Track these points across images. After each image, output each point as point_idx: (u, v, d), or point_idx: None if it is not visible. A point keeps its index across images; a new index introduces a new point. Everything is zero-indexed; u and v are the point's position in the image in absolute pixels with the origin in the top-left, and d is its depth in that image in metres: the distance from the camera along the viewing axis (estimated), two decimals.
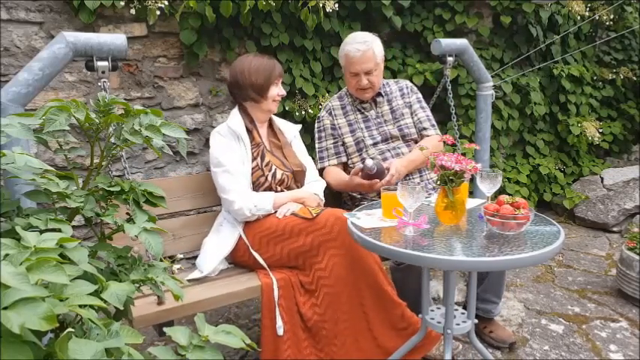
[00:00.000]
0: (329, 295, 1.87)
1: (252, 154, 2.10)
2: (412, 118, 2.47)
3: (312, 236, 1.90)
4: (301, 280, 1.95)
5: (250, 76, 2.09)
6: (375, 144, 2.39)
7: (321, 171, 2.42)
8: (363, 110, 2.45)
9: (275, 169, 2.11)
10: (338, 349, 1.87)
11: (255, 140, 2.14)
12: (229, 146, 2.07)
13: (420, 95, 2.54)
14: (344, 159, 2.44)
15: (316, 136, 2.48)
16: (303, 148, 2.35)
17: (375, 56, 2.30)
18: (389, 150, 2.39)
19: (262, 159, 2.10)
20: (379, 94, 2.46)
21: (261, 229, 2.01)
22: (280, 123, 2.33)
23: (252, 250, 1.99)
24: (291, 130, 2.32)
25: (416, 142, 2.45)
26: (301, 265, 1.94)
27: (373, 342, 1.92)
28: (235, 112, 2.17)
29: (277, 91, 2.15)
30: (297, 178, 2.21)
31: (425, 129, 2.45)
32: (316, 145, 2.48)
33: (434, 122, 2.49)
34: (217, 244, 2.06)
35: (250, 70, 2.09)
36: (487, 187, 1.73)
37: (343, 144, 2.43)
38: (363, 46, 2.27)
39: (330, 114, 2.46)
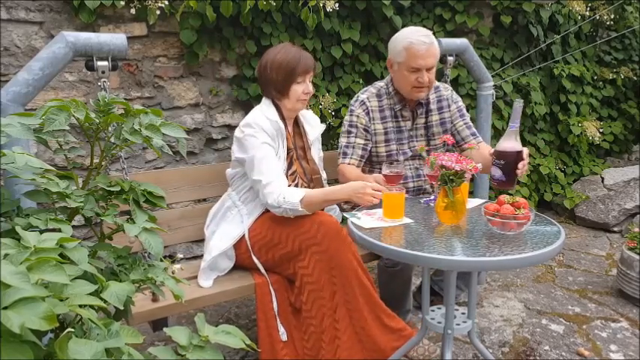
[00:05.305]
0: (313, 292, 1.86)
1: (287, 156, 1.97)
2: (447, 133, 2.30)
3: (298, 240, 1.86)
4: (290, 280, 1.96)
5: (272, 72, 1.91)
6: (405, 159, 2.24)
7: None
8: (400, 119, 2.25)
9: (298, 181, 2.00)
10: (327, 345, 1.87)
11: (288, 142, 1.99)
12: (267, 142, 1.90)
13: (460, 103, 2.35)
14: (362, 164, 2.24)
15: (345, 128, 2.24)
16: (321, 152, 2.21)
17: (437, 52, 2.12)
18: (411, 168, 2.26)
19: (289, 167, 1.99)
20: (419, 104, 2.25)
21: (255, 233, 1.97)
22: (307, 118, 2.15)
23: (252, 255, 1.96)
24: (315, 131, 2.16)
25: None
26: (286, 268, 1.94)
27: (355, 337, 1.89)
28: (269, 103, 1.99)
29: (302, 88, 1.94)
30: (316, 187, 2.04)
31: (464, 139, 2.30)
32: (342, 139, 2.24)
33: (474, 130, 2.33)
34: (221, 236, 1.98)
35: (273, 65, 1.91)
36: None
37: (373, 151, 2.24)
38: (427, 39, 2.07)
39: (368, 114, 2.21)
